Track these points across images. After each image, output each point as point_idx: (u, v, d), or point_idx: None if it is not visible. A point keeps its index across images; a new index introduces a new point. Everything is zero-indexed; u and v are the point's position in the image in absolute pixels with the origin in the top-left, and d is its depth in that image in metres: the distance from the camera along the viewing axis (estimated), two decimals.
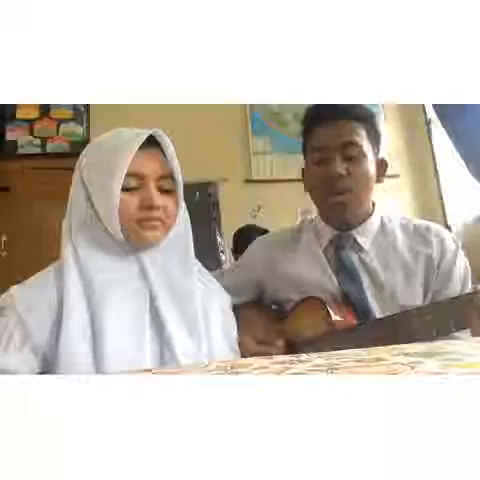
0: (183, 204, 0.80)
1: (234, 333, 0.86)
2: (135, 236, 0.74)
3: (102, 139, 0.77)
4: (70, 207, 0.77)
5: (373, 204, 1.01)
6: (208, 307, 0.81)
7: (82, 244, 0.74)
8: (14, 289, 0.72)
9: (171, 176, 0.77)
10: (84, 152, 0.78)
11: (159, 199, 0.74)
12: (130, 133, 0.75)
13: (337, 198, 0.93)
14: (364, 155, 0.93)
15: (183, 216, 0.80)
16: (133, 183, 0.73)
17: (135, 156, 0.71)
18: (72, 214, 0.76)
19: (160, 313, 0.73)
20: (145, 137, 0.73)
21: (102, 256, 0.74)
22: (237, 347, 0.85)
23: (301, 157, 1.06)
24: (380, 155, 1.00)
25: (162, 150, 0.76)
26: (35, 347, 0.67)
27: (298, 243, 1.04)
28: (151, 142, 0.74)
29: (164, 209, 0.75)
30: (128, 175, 0.71)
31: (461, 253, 0.94)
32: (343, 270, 0.95)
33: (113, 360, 0.66)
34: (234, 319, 0.88)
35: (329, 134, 0.94)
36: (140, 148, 0.72)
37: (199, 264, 0.86)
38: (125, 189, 0.72)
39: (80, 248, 0.73)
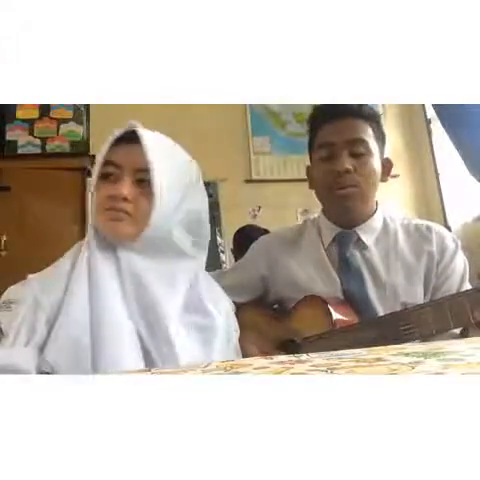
0: (159, 203, 0.72)
1: (235, 337, 0.85)
2: (103, 227, 0.75)
3: None
4: None
5: (376, 203, 1.01)
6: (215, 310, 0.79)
7: (90, 239, 0.76)
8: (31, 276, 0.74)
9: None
10: None
11: (129, 191, 0.72)
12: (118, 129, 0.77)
13: (343, 193, 0.94)
14: (371, 153, 0.94)
15: (165, 221, 0.74)
16: (109, 170, 0.74)
17: (117, 148, 0.74)
18: None
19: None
20: (123, 130, 0.74)
21: (98, 251, 0.74)
22: (238, 347, 0.85)
23: (301, 157, 1.07)
24: (384, 155, 1.00)
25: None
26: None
27: (301, 241, 1.04)
28: (136, 138, 0.74)
29: (135, 203, 0.73)
30: (106, 163, 0.74)
31: (461, 252, 0.95)
32: (346, 268, 0.95)
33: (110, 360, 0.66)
34: (236, 323, 0.87)
35: (337, 130, 0.95)
36: (126, 142, 0.74)
37: (204, 272, 0.84)
38: (103, 178, 0.74)
39: (89, 243, 0.75)
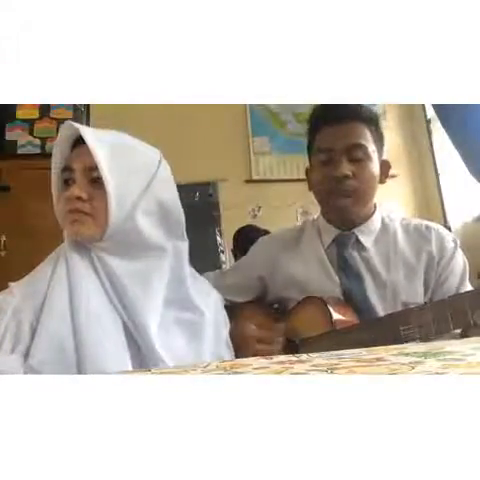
0: (114, 201, 0.71)
1: (225, 331, 0.86)
2: (67, 231, 0.75)
3: None
4: None
5: (375, 205, 1.02)
6: (203, 307, 0.80)
7: (66, 242, 0.77)
8: (13, 284, 0.73)
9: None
10: None
11: (82, 191, 0.72)
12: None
13: (342, 199, 0.94)
14: (369, 157, 0.95)
15: (125, 218, 0.72)
16: (67, 175, 0.75)
17: (70, 153, 0.76)
18: None
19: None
20: (68, 133, 0.76)
21: (74, 253, 0.74)
22: (229, 342, 0.85)
23: (301, 157, 1.07)
24: (383, 157, 1.00)
25: None
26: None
27: (300, 242, 1.05)
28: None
29: (92, 202, 0.72)
30: (63, 169, 0.76)
31: (460, 251, 0.95)
32: (345, 269, 0.95)
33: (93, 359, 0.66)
34: (227, 318, 0.88)
35: (336, 135, 0.95)
36: (76, 145, 0.76)
37: (190, 268, 0.83)
38: (64, 184, 0.76)
39: (66, 246, 0.76)
